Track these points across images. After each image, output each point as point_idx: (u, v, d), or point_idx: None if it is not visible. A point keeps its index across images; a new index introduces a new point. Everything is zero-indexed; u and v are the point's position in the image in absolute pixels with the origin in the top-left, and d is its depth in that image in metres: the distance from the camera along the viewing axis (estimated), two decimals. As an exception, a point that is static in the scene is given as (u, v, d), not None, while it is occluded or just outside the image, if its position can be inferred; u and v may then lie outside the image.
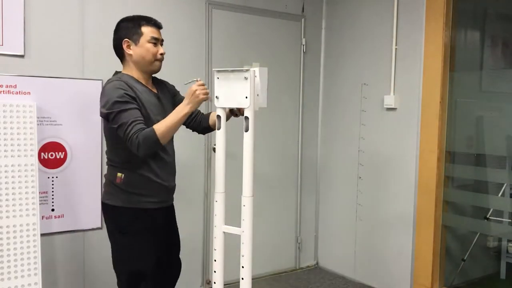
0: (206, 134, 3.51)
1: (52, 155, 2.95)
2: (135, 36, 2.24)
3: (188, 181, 3.48)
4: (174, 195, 2.48)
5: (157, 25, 2.31)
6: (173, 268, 2.52)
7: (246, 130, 2.23)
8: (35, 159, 2.72)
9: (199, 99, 2.16)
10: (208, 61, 3.57)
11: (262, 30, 3.87)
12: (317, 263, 4.32)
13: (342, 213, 4.05)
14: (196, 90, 2.14)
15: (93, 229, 3.12)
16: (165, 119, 2.15)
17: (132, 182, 2.23)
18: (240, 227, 2.27)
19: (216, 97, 2.22)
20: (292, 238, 4.20)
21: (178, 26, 3.40)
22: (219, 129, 2.33)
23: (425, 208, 3.37)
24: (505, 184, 3.32)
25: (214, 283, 2.37)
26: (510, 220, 3.28)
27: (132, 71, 2.27)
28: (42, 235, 2.78)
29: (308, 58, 4.15)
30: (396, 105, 3.56)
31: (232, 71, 2.23)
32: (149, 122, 2.17)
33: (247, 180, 2.25)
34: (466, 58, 3.59)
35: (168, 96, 2.43)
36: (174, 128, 2.16)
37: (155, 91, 2.35)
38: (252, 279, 2.29)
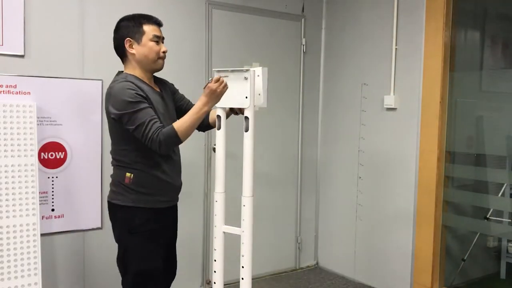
0: (206, 134, 3.52)
1: (52, 155, 2.95)
2: (137, 35, 2.23)
3: (188, 181, 3.45)
4: (175, 195, 2.48)
5: (158, 23, 2.31)
6: (173, 267, 2.52)
7: (246, 130, 2.23)
8: (35, 159, 2.72)
9: (219, 93, 2.13)
10: (208, 61, 3.57)
11: (262, 30, 3.87)
12: (317, 263, 4.32)
13: (342, 213, 4.05)
14: (215, 88, 2.11)
15: (93, 229, 3.12)
16: (184, 117, 2.15)
17: (142, 182, 2.22)
18: (240, 227, 2.27)
19: (216, 97, 2.22)
20: (292, 238, 4.20)
21: (178, 26, 3.40)
22: (219, 129, 2.34)
23: (425, 208, 3.37)
24: (505, 184, 3.32)
25: (214, 283, 2.37)
26: (510, 220, 3.28)
27: (135, 70, 2.26)
28: (42, 235, 2.78)
29: (308, 58, 4.15)
30: (396, 105, 3.56)
31: (232, 71, 2.23)
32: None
33: (247, 180, 2.25)
34: (466, 58, 3.59)
35: (169, 94, 2.43)
36: (194, 126, 2.16)
37: (158, 89, 2.35)
38: (252, 279, 2.29)
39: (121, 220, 2.28)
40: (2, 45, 2.77)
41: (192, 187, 3.56)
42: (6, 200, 2.62)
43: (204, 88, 2.16)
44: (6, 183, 2.62)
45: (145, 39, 2.23)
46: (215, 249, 2.37)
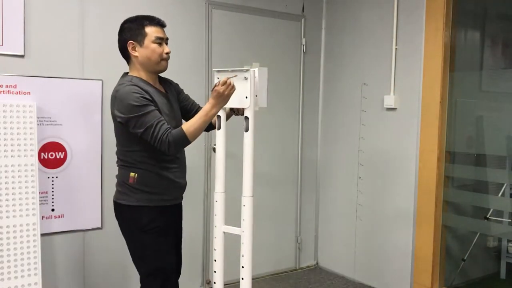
0: (206, 134, 3.52)
1: (52, 155, 2.95)
2: (140, 37, 2.22)
3: (188, 181, 3.44)
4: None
5: (161, 24, 2.29)
6: (179, 265, 2.53)
7: (246, 130, 2.24)
8: (35, 159, 2.72)
9: (226, 96, 2.15)
10: (208, 61, 3.57)
11: (262, 30, 3.87)
12: (317, 263, 4.32)
13: (342, 213, 4.05)
14: (222, 91, 2.13)
15: (93, 229, 3.12)
16: (192, 119, 2.17)
17: (146, 181, 2.23)
18: (240, 227, 2.27)
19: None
20: (292, 238, 4.20)
21: (178, 26, 3.40)
22: (219, 129, 2.34)
23: (425, 208, 3.37)
24: (505, 184, 3.32)
25: (214, 283, 2.37)
26: (510, 220, 3.27)
27: (140, 72, 2.26)
28: (42, 235, 2.78)
29: (308, 58, 4.15)
30: (396, 105, 3.56)
31: (232, 71, 2.24)
32: None
33: (247, 180, 2.26)
34: (466, 58, 3.59)
35: (175, 95, 2.43)
36: (202, 128, 2.17)
37: (163, 90, 2.35)
38: (252, 279, 2.29)
39: (129, 220, 2.28)
40: (2, 45, 2.77)
41: (192, 187, 3.53)
42: (6, 200, 2.62)
43: (212, 90, 2.16)
44: (6, 183, 2.62)
45: (147, 41, 2.22)
46: (215, 249, 2.37)
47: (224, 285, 2.42)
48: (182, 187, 2.40)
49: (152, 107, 2.13)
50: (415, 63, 3.42)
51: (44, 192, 2.92)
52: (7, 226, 2.61)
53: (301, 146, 4.17)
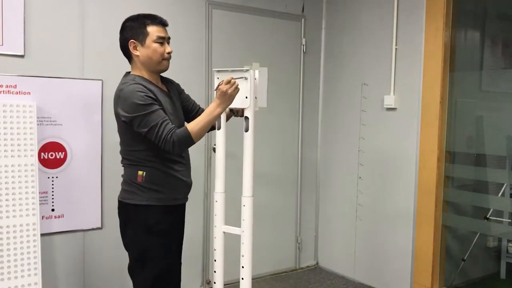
0: (206, 134, 3.51)
1: (52, 155, 2.95)
2: (141, 36, 2.20)
3: (188, 181, 3.48)
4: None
5: (163, 23, 2.27)
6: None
7: (246, 130, 2.24)
8: (35, 159, 2.72)
9: (230, 95, 2.15)
10: (208, 61, 3.57)
11: (262, 30, 3.87)
12: (317, 263, 4.32)
13: (342, 213, 4.05)
14: (226, 89, 2.13)
15: (93, 229, 3.12)
16: (197, 118, 2.16)
17: (154, 180, 2.20)
18: (240, 227, 2.27)
19: (216, 97, 2.22)
20: (292, 238, 4.20)
21: (178, 26, 3.39)
22: (219, 129, 2.34)
23: (425, 208, 3.37)
24: (505, 184, 3.32)
25: (214, 283, 2.37)
26: (510, 220, 3.27)
27: (142, 72, 2.24)
28: (42, 235, 2.78)
29: (308, 58, 4.15)
30: (396, 105, 3.56)
31: (232, 71, 2.24)
32: None
33: (247, 180, 2.26)
34: (466, 58, 3.59)
35: (176, 94, 2.42)
36: (206, 128, 2.17)
37: (165, 90, 2.33)
38: (252, 279, 2.29)
39: (136, 220, 2.22)
40: (2, 45, 2.77)
41: (192, 187, 3.54)
42: (6, 200, 2.62)
43: (215, 89, 2.16)
44: (6, 183, 2.63)
45: (148, 40, 2.20)
46: (215, 249, 2.37)
47: (224, 285, 2.42)
48: (189, 185, 2.39)
49: (157, 106, 2.12)
50: (415, 63, 3.42)
51: (44, 192, 2.92)
52: (7, 226, 2.62)
53: (301, 146, 4.17)
